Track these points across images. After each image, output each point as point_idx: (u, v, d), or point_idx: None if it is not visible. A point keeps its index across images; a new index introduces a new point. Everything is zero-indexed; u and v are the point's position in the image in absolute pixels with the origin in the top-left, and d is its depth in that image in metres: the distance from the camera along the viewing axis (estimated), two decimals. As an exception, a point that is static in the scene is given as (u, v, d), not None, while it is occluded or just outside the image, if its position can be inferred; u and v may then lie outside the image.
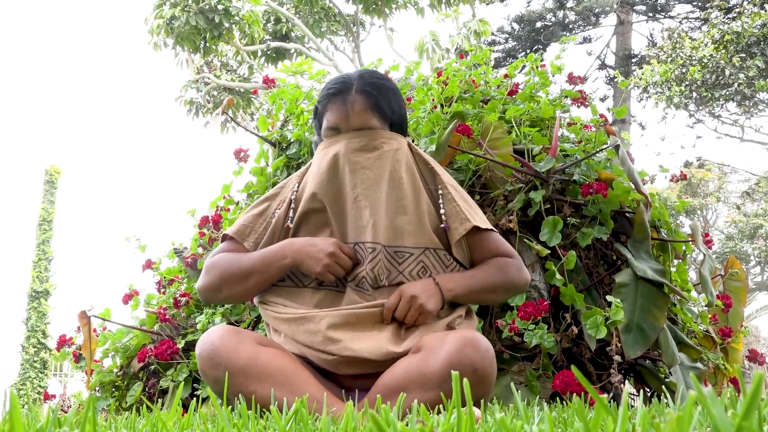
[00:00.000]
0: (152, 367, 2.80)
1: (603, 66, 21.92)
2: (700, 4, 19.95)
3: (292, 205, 1.89)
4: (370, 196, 1.79)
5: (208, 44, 13.42)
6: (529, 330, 2.28)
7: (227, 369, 1.60)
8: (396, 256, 1.79)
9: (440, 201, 1.87)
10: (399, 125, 1.92)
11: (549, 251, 2.49)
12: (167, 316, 2.92)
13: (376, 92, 1.85)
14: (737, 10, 13.51)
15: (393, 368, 1.64)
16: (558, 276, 2.40)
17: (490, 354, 1.60)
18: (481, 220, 1.90)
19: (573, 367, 0.58)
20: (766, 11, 12.31)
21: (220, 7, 12.72)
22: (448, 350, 1.57)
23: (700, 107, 14.55)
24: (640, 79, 14.14)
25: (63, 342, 3.12)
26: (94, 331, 2.98)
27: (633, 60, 20.27)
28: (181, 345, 2.75)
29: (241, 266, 1.83)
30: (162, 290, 3.32)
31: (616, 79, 17.94)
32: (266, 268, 1.81)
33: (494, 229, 1.94)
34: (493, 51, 20.88)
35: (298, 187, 1.92)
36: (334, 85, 1.87)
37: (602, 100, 21.58)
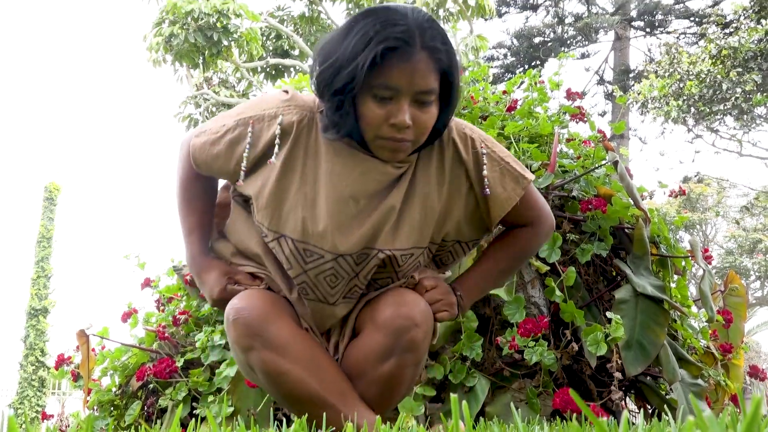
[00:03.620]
0: (151, 385, 2.79)
1: (601, 81, 22.02)
2: (697, 19, 20.06)
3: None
4: (371, 205, 1.62)
5: (206, 61, 13.46)
6: (530, 347, 2.27)
7: (263, 344, 1.56)
8: (393, 260, 1.66)
9: (484, 162, 1.66)
10: (453, 92, 1.58)
11: (548, 267, 2.49)
12: (166, 335, 2.91)
13: (442, 47, 1.50)
14: (734, 25, 13.57)
15: (348, 353, 1.67)
16: (558, 292, 2.40)
17: (422, 304, 1.64)
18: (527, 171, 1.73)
19: (571, 391, 0.58)
20: (762, 26, 12.36)
21: (218, 25, 12.76)
22: (385, 317, 1.61)
23: (698, 122, 14.59)
24: (639, 94, 14.19)
25: (61, 360, 3.11)
26: (93, 350, 2.97)
27: (631, 75, 20.36)
28: (180, 363, 2.73)
29: (180, 216, 1.81)
30: (161, 308, 3.31)
31: (614, 94, 18.01)
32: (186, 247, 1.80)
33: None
34: (492, 67, 20.96)
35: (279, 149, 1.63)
36: (393, 34, 1.45)
37: (601, 115, 21.66)
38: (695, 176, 20.13)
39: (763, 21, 12.43)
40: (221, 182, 1.88)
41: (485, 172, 1.65)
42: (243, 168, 1.63)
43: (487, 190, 1.64)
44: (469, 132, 1.69)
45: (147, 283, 3.37)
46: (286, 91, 1.68)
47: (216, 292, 1.71)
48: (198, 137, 1.71)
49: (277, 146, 1.60)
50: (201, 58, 13.38)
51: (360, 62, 1.44)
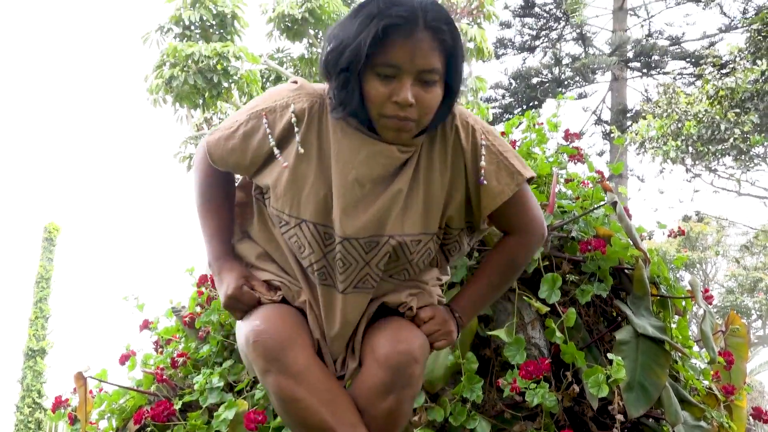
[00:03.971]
0: (149, 428, 2.76)
1: (599, 121, 22.16)
2: (693, 60, 20.25)
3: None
4: (377, 190, 1.63)
5: (206, 102, 13.57)
6: (531, 389, 2.25)
7: (279, 369, 1.58)
8: (403, 247, 1.67)
9: (482, 153, 1.67)
10: (457, 72, 1.59)
11: (549, 308, 2.48)
12: (164, 377, 2.89)
13: (445, 27, 1.53)
14: (730, 65, 13.71)
15: (351, 390, 1.69)
16: (558, 333, 2.39)
17: (419, 339, 1.69)
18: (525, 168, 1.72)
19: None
20: (758, 67, 12.48)
21: (218, 67, 12.89)
22: (384, 353, 1.64)
23: (697, 162, 14.65)
24: (636, 134, 14.27)
25: (59, 403, 3.08)
26: (90, 392, 2.95)
27: (628, 115, 20.50)
28: (177, 406, 2.71)
29: (201, 220, 1.84)
30: (159, 350, 3.29)
31: (612, 134, 18.12)
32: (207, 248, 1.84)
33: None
34: (491, 107, 21.12)
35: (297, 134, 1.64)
36: (396, 12, 1.48)
37: (599, 154, 21.76)
38: (695, 215, 20.16)
39: (758, 62, 12.55)
40: (239, 179, 1.92)
41: (483, 163, 1.66)
42: (277, 154, 1.64)
43: (483, 180, 1.66)
44: (471, 121, 1.70)
45: (146, 324, 3.36)
46: (295, 82, 1.71)
47: (231, 289, 1.72)
48: (213, 135, 1.74)
49: (297, 133, 1.63)
50: (201, 99, 13.50)
51: (363, 39, 1.47)
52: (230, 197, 1.88)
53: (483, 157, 1.67)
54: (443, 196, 1.69)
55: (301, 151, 1.63)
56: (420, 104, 1.52)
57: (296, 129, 1.63)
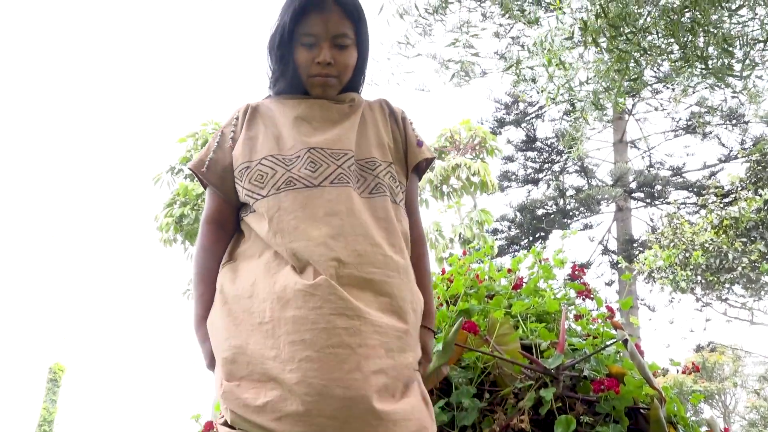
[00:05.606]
0: None
1: (606, 251, 22.22)
2: (695, 189, 20.54)
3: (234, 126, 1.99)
4: (326, 126, 1.93)
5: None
6: None
7: None
8: (368, 164, 1.91)
9: (412, 126, 2.07)
10: (364, 41, 2.00)
11: (564, 452, 2.39)
12: None
13: (350, 3, 1.94)
14: (732, 195, 13.87)
15: None
16: (575, 480, 2.30)
17: None
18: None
19: None
20: (761, 197, 12.62)
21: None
22: None
23: (707, 291, 14.57)
24: (644, 264, 14.27)
25: None
26: None
27: (635, 245, 20.58)
28: None
29: (195, 293, 1.98)
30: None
31: (619, 264, 18.12)
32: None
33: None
34: (497, 240, 21.27)
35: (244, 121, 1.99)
36: None
37: (608, 284, 21.68)
38: (707, 345, 19.85)
39: (760, 191, 12.71)
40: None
41: (415, 133, 2.06)
42: (230, 139, 1.96)
43: (420, 140, 2.04)
44: (399, 109, 2.09)
45: (148, 474, 3.26)
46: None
47: (207, 363, 1.92)
48: (194, 163, 1.99)
49: (245, 119, 1.98)
50: (210, 237, 13.65)
51: (287, 18, 1.90)
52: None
53: (413, 131, 2.06)
54: (389, 141, 2.00)
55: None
56: (338, 63, 1.92)
57: (245, 118, 1.98)
